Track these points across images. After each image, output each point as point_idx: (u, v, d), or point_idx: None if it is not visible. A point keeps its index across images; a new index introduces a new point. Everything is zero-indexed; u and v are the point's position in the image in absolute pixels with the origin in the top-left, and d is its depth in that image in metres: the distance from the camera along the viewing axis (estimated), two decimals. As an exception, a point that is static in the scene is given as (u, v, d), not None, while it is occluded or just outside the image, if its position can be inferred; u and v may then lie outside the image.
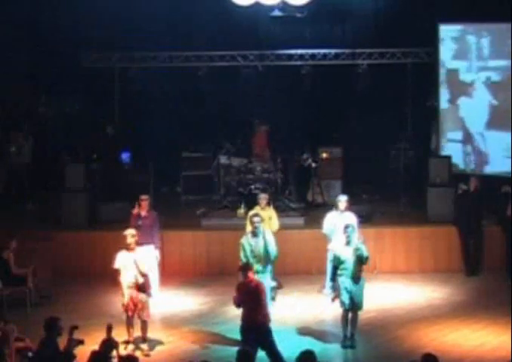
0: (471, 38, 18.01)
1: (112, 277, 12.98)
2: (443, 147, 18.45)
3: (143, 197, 14.58)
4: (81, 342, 10.10)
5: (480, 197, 16.03)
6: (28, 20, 18.63)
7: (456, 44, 18.15)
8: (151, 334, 12.63)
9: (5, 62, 18.34)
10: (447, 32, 18.29)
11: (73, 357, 10.04)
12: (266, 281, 12.72)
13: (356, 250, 12.26)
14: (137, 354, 11.73)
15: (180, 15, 19.09)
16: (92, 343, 11.02)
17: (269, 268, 13.00)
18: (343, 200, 14.31)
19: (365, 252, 12.31)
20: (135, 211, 14.44)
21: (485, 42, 17.80)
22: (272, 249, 12.81)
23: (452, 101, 18.31)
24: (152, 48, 19.20)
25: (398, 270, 16.11)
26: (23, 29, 18.72)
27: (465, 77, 18.10)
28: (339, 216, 14.21)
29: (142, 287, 12.28)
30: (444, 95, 18.42)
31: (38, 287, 14.43)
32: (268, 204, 14.71)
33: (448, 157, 17.49)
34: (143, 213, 14.41)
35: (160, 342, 12.65)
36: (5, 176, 18.91)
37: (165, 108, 19.82)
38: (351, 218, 14.07)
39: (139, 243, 13.05)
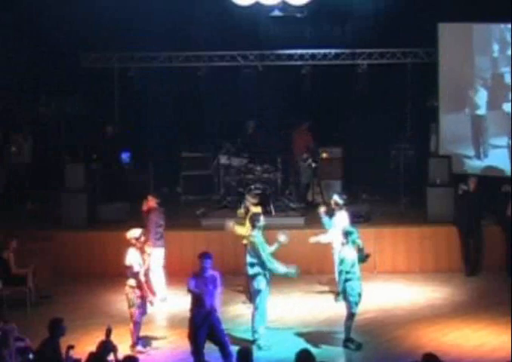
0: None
1: (112, 277, 12.99)
2: (487, 153, 17.98)
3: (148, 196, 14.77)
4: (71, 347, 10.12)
5: (480, 197, 16.03)
6: (28, 20, 18.62)
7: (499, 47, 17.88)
8: (151, 334, 12.64)
9: (5, 63, 18.33)
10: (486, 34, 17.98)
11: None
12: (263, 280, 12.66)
13: (360, 249, 12.29)
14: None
15: (180, 15, 19.07)
16: (92, 343, 11.03)
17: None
18: (332, 198, 14.49)
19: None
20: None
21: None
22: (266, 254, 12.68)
23: (495, 106, 17.87)
24: (152, 48, 19.17)
25: (398, 270, 16.11)
26: (23, 29, 18.71)
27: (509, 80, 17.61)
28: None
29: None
30: (482, 100, 17.97)
31: (38, 287, 14.44)
32: (260, 205, 14.69)
33: (448, 157, 17.45)
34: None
35: (160, 342, 12.66)
36: (5, 176, 18.90)
37: (164, 108, 19.82)
38: (343, 216, 14.20)
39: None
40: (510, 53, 17.51)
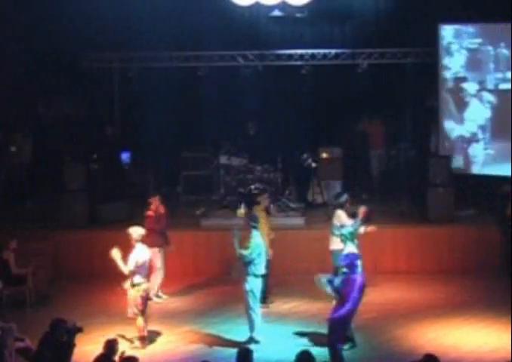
0: (488, 50, 17.70)
1: (111, 277, 13.01)
2: (483, 154, 17.96)
3: (151, 199, 14.73)
4: (79, 330, 10.10)
5: None
6: (28, 20, 18.62)
7: (470, 54, 17.94)
8: (151, 333, 12.65)
9: (5, 63, 18.33)
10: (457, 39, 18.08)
11: (72, 345, 10.05)
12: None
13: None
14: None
15: (180, 15, 19.06)
16: (91, 343, 11.05)
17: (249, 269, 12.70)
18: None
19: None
20: (150, 213, 14.53)
21: (500, 54, 17.49)
22: (240, 252, 12.57)
23: (459, 108, 17.99)
24: (152, 48, 19.17)
25: (398, 270, 16.10)
26: (23, 29, 18.71)
27: (469, 87, 17.82)
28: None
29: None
30: (450, 102, 18.14)
31: (38, 287, 14.44)
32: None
33: (448, 157, 17.45)
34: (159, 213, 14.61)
35: (160, 342, 12.66)
36: (5, 176, 18.89)
37: (165, 108, 19.80)
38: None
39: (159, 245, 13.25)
40: (466, 57, 17.81)
